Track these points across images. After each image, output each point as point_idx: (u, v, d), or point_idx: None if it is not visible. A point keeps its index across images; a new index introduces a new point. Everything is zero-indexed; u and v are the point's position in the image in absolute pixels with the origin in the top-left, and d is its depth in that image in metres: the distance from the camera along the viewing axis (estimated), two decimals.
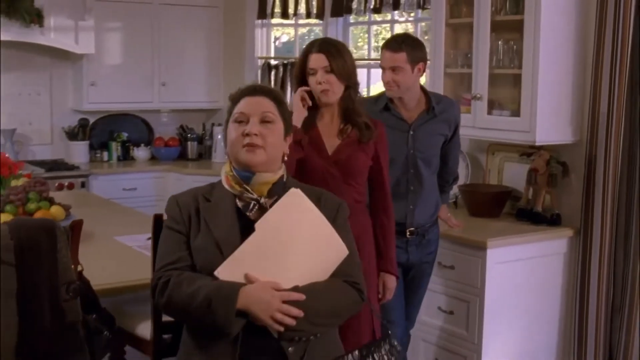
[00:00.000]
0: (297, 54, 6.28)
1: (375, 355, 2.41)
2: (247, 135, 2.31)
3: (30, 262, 2.44)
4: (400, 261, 3.47)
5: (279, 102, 2.41)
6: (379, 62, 3.52)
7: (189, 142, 6.76)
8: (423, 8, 5.32)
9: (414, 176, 3.57)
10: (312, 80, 3.02)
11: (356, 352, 2.39)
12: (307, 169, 3.00)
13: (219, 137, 6.55)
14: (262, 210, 2.30)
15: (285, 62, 6.49)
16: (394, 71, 3.45)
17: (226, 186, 2.37)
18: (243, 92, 2.41)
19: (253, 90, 2.41)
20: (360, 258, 2.85)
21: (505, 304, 3.87)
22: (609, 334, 4.00)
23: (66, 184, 5.81)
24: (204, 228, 2.30)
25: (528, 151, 4.22)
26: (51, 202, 3.62)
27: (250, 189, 2.33)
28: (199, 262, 2.28)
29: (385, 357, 2.43)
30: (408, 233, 3.58)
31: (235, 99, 2.40)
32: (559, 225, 4.08)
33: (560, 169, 4.07)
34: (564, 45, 3.92)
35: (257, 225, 2.23)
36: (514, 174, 4.36)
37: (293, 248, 2.25)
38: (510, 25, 4.02)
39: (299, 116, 2.97)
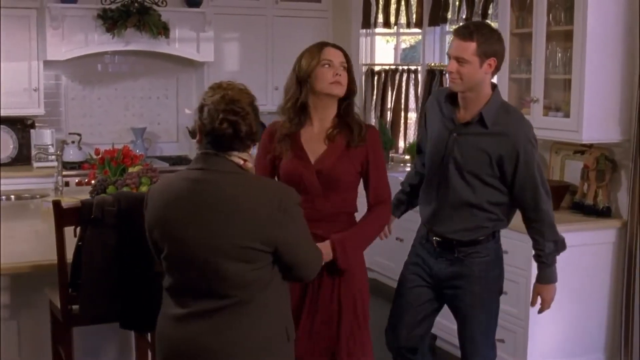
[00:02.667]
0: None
1: None
2: None
3: (128, 224, 3.13)
4: (426, 267, 3.43)
5: None
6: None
7: None
8: None
9: (443, 181, 3.31)
10: (326, 71, 2.98)
11: None
12: (288, 176, 3.02)
13: None
14: None
15: (386, 68, 7.04)
16: (458, 62, 3.14)
17: None
18: None
19: None
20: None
21: None
22: None
23: None
24: None
25: (581, 149, 4.61)
26: None
27: None
28: None
29: None
30: (435, 242, 3.39)
31: None
32: (608, 217, 4.45)
33: (609, 166, 4.44)
34: (611, 53, 4.29)
35: None
36: (574, 171, 4.74)
37: None
38: (564, 35, 4.43)
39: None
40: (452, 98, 3.32)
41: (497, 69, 3.23)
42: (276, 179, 3.15)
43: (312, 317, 3.08)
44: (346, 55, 3.05)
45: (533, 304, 3.49)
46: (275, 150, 3.10)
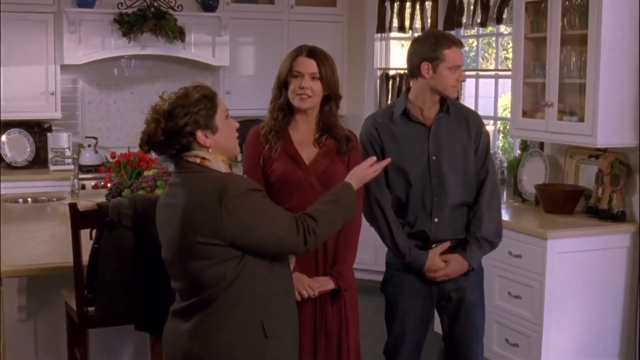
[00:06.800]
0: None
1: None
2: None
3: (143, 227, 3.16)
4: (424, 283, 3.36)
5: None
6: (454, 63, 3.24)
7: None
8: None
9: (438, 186, 3.29)
10: (294, 82, 2.98)
11: None
12: (285, 180, 2.98)
13: None
14: None
15: (401, 72, 7.04)
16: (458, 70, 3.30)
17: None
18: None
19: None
20: None
21: (567, 289, 4.28)
22: None
23: None
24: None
25: (596, 153, 4.61)
26: None
27: None
28: None
29: None
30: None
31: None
32: (623, 221, 4.44)
33: (624, 170, 4.43)
34: (626, 57, 4.28)
35: None
36: (588, 175, 4.73)
37: None
38: (579, 39, 4.43)
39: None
40: (404, 113, 3.35)
41: None
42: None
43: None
44: (320, 64, 2.98)
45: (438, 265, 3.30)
46: (263, 144, 3.06)
